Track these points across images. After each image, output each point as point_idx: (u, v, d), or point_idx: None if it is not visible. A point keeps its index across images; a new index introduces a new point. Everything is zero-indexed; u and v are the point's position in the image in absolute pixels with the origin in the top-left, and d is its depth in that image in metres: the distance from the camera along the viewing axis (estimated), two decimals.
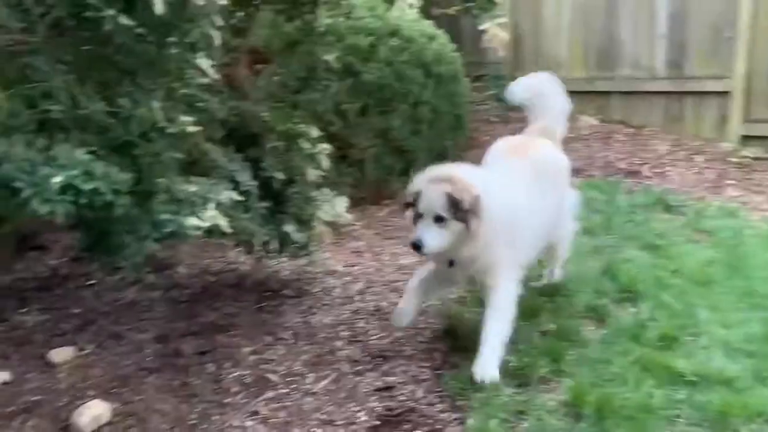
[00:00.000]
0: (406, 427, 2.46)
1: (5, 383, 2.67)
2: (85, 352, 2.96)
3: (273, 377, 2.74)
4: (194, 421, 2.46)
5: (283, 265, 3.85)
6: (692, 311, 3.31)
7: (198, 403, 2.56)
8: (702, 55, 6.35)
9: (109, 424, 2.41)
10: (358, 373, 2.80)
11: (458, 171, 2.85)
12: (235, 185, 2.41)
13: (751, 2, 5.92)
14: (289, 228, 2.86)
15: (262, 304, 3.40)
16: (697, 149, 6.23)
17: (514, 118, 6.00)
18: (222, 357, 2.86)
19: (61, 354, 2.90)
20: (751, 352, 2.94)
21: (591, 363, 2.84)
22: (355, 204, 4.92)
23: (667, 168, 5.87)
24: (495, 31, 2.78)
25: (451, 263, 2.82)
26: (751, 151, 6.06)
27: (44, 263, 3.86)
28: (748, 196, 5.34)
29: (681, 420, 2.48)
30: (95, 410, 2.42)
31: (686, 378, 2.73)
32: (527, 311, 3.25)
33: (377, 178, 5.07)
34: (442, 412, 2.55)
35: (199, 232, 2.04)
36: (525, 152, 3.25)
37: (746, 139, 6.16)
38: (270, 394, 2.64)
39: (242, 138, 2.99)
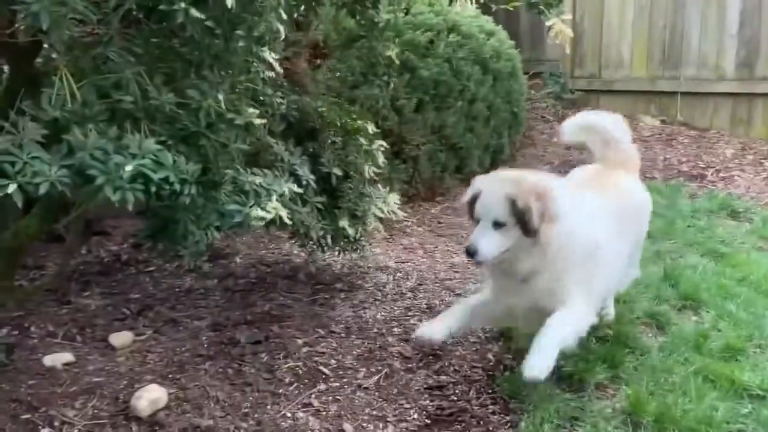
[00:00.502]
0: (457, 427, 2.44)
1: (68, 364, 2.75)
2: (144, 336, 3.03)
3: (325, 370, 2.75)
4: (247, 410, 2.49)
5: (336, 260, 3.87)
6: (759, 322, 3.20)
7: (251, 392, 2.59)
8: None
9: (166, 408, 2.45)
10: (409, 371, 2.79)
11: (527, 174, 2.63)
12: (296, 178, 2.43)
13: None
14: (344, 222, 2.86)
15: (315, 297, 3.42)
16: (766, 154, 5.99)
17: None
18: (275, 347, 2.89)
19: (120, 338, 2.98)
20: None
21: (650, 371, 2.77)
22: (408, 200, 4.95)
23: (734, 172, 5.67)
24: (560, 27, 2.70)
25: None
26: None
27: (106, 248, 3.97)
28: None
29: None
30: (153, 394, 2.47)
31: (752, 391, 2.64)
32: None
33: (431, 175, 5.05)
34: (493, 414, 2.52)
35: (262, 223, 2.06)
36: (608, 184, 2.91)
37: None
38: (322, 386, 2.64)
39: (301, 132, 3.01)
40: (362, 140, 3.15)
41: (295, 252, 3.99)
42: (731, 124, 6.45)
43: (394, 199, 3.29)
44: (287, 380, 2.67)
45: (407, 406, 2.56)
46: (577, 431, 2.42)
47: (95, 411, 2.44)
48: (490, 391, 2.66)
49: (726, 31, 6.34)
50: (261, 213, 2.02)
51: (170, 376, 2.68)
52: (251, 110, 2.16)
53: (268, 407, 2.51)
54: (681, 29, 6.64)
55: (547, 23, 2.74)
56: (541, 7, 2.74)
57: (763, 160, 5.87)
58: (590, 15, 7.25)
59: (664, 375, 2.73)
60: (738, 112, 6.40)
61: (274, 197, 2.10)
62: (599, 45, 7.13)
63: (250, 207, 2.02)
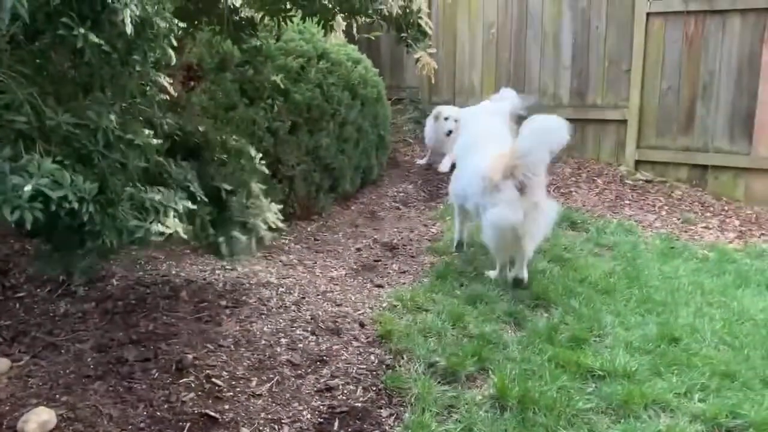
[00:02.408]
0: (349, 422, 2.64)
1: None
2: (21, 362, 2.94)
3: (218, 381, 2.84)
4: (143, 425, 2.53)
5: (216, 278, 3.95)
6: (598, 316, 3.71)
7: (146, 407, 2.62)
8: (602, 86, 6.98)
9: (56, 429, 2.43)
10: (299, 377, 2.96)
11: None
12: (189, 194, 2.52)
13: (642, 37, 6.58)
14: (236, 233, 2.98)
15: (200, 315, 3.47)
16: (598, 172, 6.82)
17: None
18: (165, 363, 2.93)
19: None
20: (648, 350, 3.35)
21: (512, 362, 3.14)
22: (285, 219, 5.04)
23: (572, 188, 6.40)
24: (426, 60, 3.04)
25: None
26: (643, 175, 6.71)
27: None
28: (642, 214, 5.92)
29: (591, 408, 2.80)
30: (41, 417, 2.44)
31: (594, 373, 3.09)
32: (454, 317, 3.54)
33: (306, 194, 5.23)
34: (380, 408, 2.76)
35: (161, 238, 2.14)
36: None
37: (639, 163, 6.82)
38: (216, 396, 2.74)
39: (185, 151, 3.09)
40: (243, 162, 3.29)
41: (173, 272, 4.01)
42: (568, 146, 7.24)
43: (275, 207, 3.43)
44: (182, 394, 2.73)
45: (300, 408, 2.72)
46: (453, 417, 2.71)
47: None
48: (375, 388, 2.89)
49: (561, 64, 7.18)
50: (161, 228, 2.12)
51: (57, 397, 2.65)
52: (147, 131, 2.25)
53: (165, 420, 2.56)
54: (524, 61, 7.41)
55: (415, 56, 3.06)
56: (409, 41, 3.07)
57: (595, 178, 6.67)
58: (444, 46, 7.87)
59: (524, 364, 3.12)
60: (573, 136, 7.21)
61: (171, 213, 2.20)
62: (453, 74, 7.76)
63: (150, 223, 2.10)
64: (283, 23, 3.54)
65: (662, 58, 6.60)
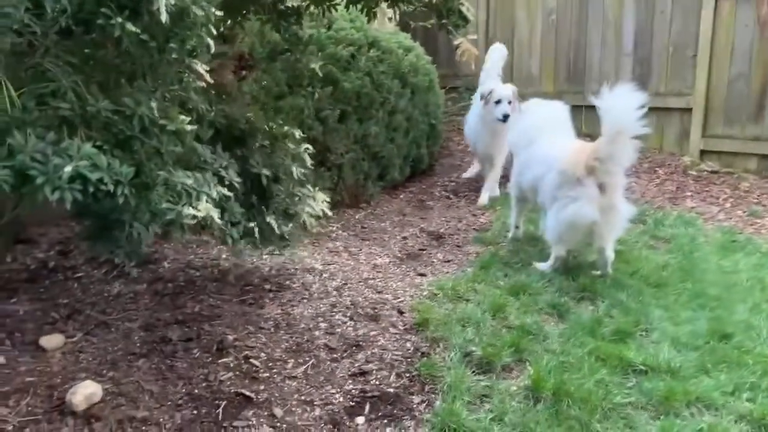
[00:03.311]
0: (380, 406, 2.67)
1: None
2: (75, 339, 3.09)
3: (256, 362, 2.91)
4: (181, 402, 2.63)
5: (264, 262, 4.04)
6: (646, 309, 3.59)
7: (185, 384, 2.73)
8: (665, 73, 6.71)
9: (101, 402, 2.56)
10: (334, 360, 3.00)
11: None
12: (220, 180, 2.59)
13: (710, 22, 6.28)
14: (273, 221, 3.04)
15: (244, 297, 3.57)
16: (659, 162, 6.57)
17: None
18: (207, 344, 3.03)
19: (51, 340, 3.04)
20: (697, 347, 3.22)
21: (550, 354, 3.08)
22: (333, 207, 5.11)
23: (631, 178, 6.18)
24: (467, 46, 3.00)
25: None
26: (708, 165, 6.42)
27: (33, 256, 3.97)
28: (705, 206, 5.67)
29: (629, 403, 2.73)
30: (88, 389, 2.57)
31: (636, 367, 2.99)
32: (494, 307, 3.50)
33: (354, 183, 5.28)
34: (411, 395, 2.76)
35: (194, 221, 2.21)
36: None
37: (705, 153, 6.52)
38: (253, 377, 2.81)
39: (229, 138, 3.17)
40: (290, 144, 3.34)
41: (224, 257, 4.13)
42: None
43: (323, 197, 3.46)
44: (220, 373, 2.82)
45: (333, 391, 2.76)
46: (485, 406, 2.69)
47: (29, 408, 2.52)
48: (408, 375, 2.90)
49: (622, 51, 6.94)
50: (192, 212, 2.18)
51: (104, 373, 2.78)
52: (182, 117, 2.33)
53: (202, 398, 2.65)
54: (584, 48, 7.20)
55: (455, 42, 3.03)
56: (450, 28, 3.04)
57: (657, 168, 6.44)
58: (502, 33, 7.75)
59: (562, 356, 3.05)
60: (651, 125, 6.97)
61: (204, 198, 2.27)
62: (511, 61, 7.60)
63: (183, 206, 2.17)
64: (328, 11, 3.57)
65: (732, 42, 6.28)
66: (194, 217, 2.21)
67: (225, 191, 2.47)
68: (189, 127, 2.33)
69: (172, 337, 3.08)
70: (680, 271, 4.16)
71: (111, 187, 2.07)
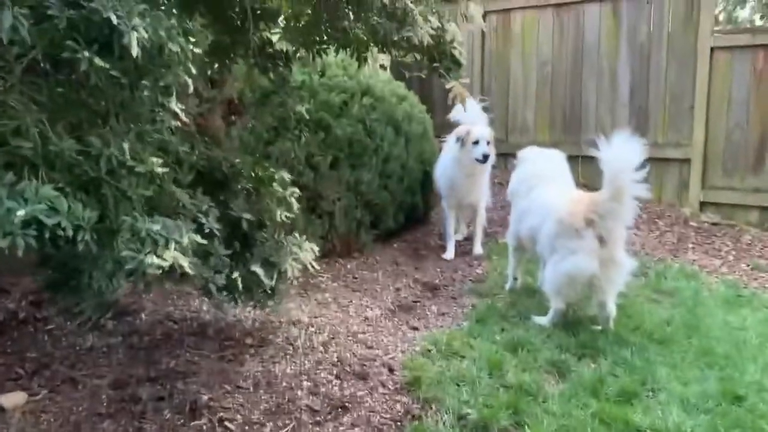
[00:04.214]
0: None
1: None
2: (38, 396, 2.87)
3: (231, 426, 2.69)
4: None
5: (247, 315, 3.83)
6: (651, 368, 3.38)
7: None
8: (663, 123, 6.64)
9: None
10: (317, 424, 2.77)
11: None
12: (199, 227, 2.42)
13: (706, 72, 6.25)
14: (258, 270, 2.85)
15: (223, 353, 3.35)
16: (659, 213, 6.43)
17: None
18: (179, 404, 2.80)
19: (11, 399, 2.81)
20: (707, 409, 3.01)
21: (551, 416, 2.86)
22: (324, 256, 4.96)
23: (631, 230, 6.03)
24: (459, 90, 2.89)
25: None
26: (708, 217, 6.28)
27: (2, 306, 3.77)
28: (707, 259, 5.51)
29: None
30: None
31: None
32: (491, 364, 3.29)
33: (347, 231, 5.11)
34: None
35: (159, 272, 2.03)
36: None
37: (704, 205, 6.40)
38: None
39: (211, 182, 3.01)
40: (277, 188, 3.18)
41: (204, 308, 3.92)
42: None
43: (310, 246, 3.28)
44: None
45: None
46: None
47: None
48: None
49: (619, 101, 6.89)
50: (157, 261, 2.00)
51: None
52: (154, 159, 2.17)
53: None
54: (579, 98, 7.16)
55: (447, 86, 2.92)
56: (442, 71, 2.93)
57: (656, 219, 6.30)
58: (497, 84, 7.73)
59: (563, 419, 2.84)
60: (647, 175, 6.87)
61: (173, 246, 2.09)
62: (506, 111, 7.56)
63: (146, 254, 2.00)
64: (318, 56, 3.47)
65: (729, 93, 6.25)
66: (159, 266, 2.02)
67: (198, 238, 2.28)
68: (160, 170, 2.17)
69: (142, 395, 2.86)
70: (685, 327, 3.96)
71: (71, 233, 1.90)
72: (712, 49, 6.25)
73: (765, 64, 6.05)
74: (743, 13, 9.63)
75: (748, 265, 5.40)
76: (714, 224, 6.20)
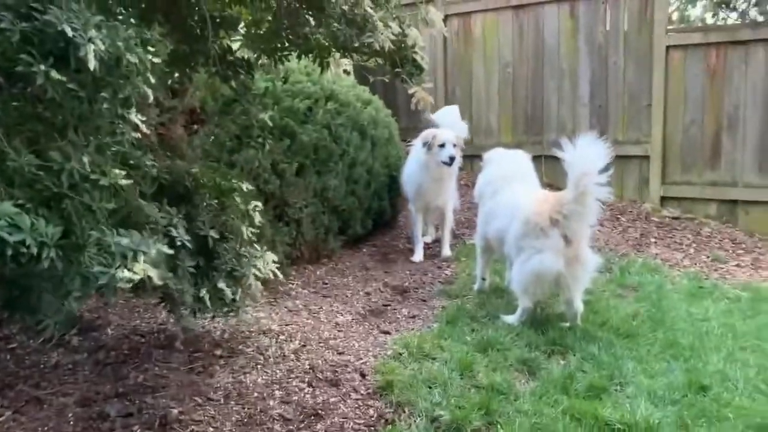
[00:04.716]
0: None
1: None
2: (2, 418, 2.79)
3: None
4: None
5: (215, 325, 3.79)
6: (619, 362, 3.44)
7: None
8: (622, 122, 6.78)
9: None
10: None
11: None
12: (170, 240, 2.39)
13: (662, 71, 6.40)
14: (221, 284, 2.83)
15: (192, 365, 3.31)
16: (621, 209, 6.56)
17: None
18: (148, 419, 2.75)
19: None
20: (674, 401, 3.07)
21: (522, 415, 2.89)
22: (293, 263, 4.96)
23: (594, 227, 6.13)
24: (422, 95, 2.92)
25: None
26: (669, 211, 6.43)
27: None
28: (669, 253, 5.64)
29: None
30: None
31: (613, 426, 2.82)
32: (462, 365, 3.32)
33: (314, 237, 5.09)
34: None
35: (129, 285, 2.00)
36: None
37: (665, 200, 6.55)
38: None
39: (174, 195, 2.98)
40: (238, 200, 3.16)
41: (172, 321, 3.86)
42: None
43: (272, 257, 3.26)
44: None
45: None
46: None
47: None
48: None
49: (579, 100, 7.01)
50: (127, 275, 1.98)
51: None
52: (117, 171, 2.14)
53: None
54: (541, 99, 7.26)
55: (410, 91, 2.94)
56: (404, 76, 2.95)
57: (619, 216, 6.42)
58: (461, 87, 7.80)
59: (535, 417, 2.87)
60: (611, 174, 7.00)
61: (142, 258, 2.06)
62: (470, 114, 7.62)
63: (116, 268, 1.97)
64: (280, 62, 3.46)
65: (684, 91, 6.42)
66: (130, 280, 1.99)
67: (165, 249, 2.26)
68: (124, 182, 2.14)
69: (110, 412, 2.80)
70: (650, 321, 4.05)
71: (35, 250, 1.86)
72: (667, 48, 6.42)
73: (717, 61, 6.23)
74: (695, 12, 9.87)
75: (708, 257, 5.55)
76: (675, 218, 6.36)
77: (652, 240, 5.92)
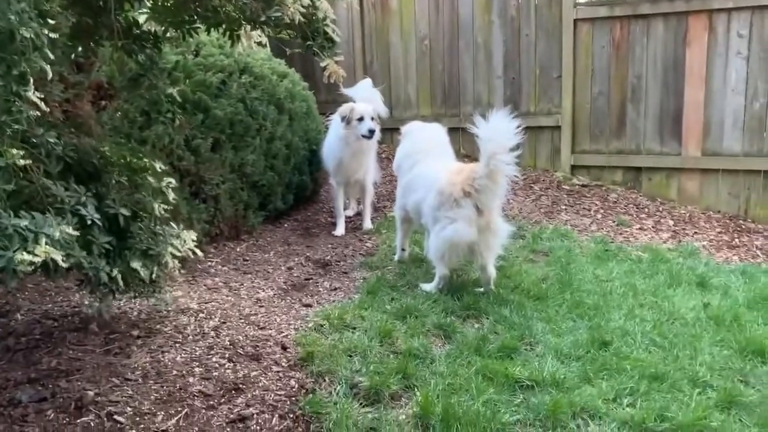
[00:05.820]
0: None
1: None
2: None
3: (120, 419, 2.62)
4: None
5: (132, 306, 3.72)
6: (529, 323, 3.63)
7: None
8: (534, 93, 7.01)
9: None
10: (211, 408, 2.77)
11: None
12: (80, 219, 2.33)
13: (570, 44, 6.64)
14: (136, 264, 2.78)
15: (109, 347, 3.25)
16: (534, 179, 6.81)
17: None
18: (63, 403, 2.70)
19: None
20: (578, 357, 3.28)
21: (438, 377, 3.02)
22: (212, 240, 4.90)
23: (508, 196, 6.35)
24: (334, 68, 2.93)
25: None
26: (579, 179, 6.74)
27: None
28: (578, 219, 5.92)
29: (517, 420, 2.70)
30: None
31: (523, 383, 2.99)
32: (381, 333, 3.41)
33: (233, 214, 5.04)
34: None
35: (31, 268, 1.95)
36: None
37: (575, 168, 6.85)
38: None
39: (82, 173, 2.88)
40: (150, 179, 3.09)
41: (86, 303, 3.76)
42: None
43: (191, 236, 3.23)
44: None
45: None
46: None
47: None
48: (292, 416, 2.73)
49: (493, 73, 7.19)
50: (27, 257, 1.92)
51: None
52: (15, 151, 2.06)
53: None
54: (457, 72, 7.39)
55: (322, 64, 2.94)
56: (316, 49, 2.95)
57: (532, 184, 6.67)
58: (378, 60, 7.82)
59: (450, 378, 3.00)
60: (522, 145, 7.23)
61: (44, 240, 2.01)
62: (388, 86, 7.67)
63: (15, 251, 1.91)
64: (189, 35, 3.37)
65: (591, 63, 6.67)
66: (31, 263, 1.94)
67: (70, 230, 2.20)
68: (22, 162, 2.06)
69: (22, 398, 2.72)
70: (559, 283, 4.27)
71: None
72: (575, 21, 6.64)
73: (622, 34, 6.51)
74: None
75: (614, 222, 5.87)
76: (584, 186, 6.67)
77: (563, 207, 6.19)
